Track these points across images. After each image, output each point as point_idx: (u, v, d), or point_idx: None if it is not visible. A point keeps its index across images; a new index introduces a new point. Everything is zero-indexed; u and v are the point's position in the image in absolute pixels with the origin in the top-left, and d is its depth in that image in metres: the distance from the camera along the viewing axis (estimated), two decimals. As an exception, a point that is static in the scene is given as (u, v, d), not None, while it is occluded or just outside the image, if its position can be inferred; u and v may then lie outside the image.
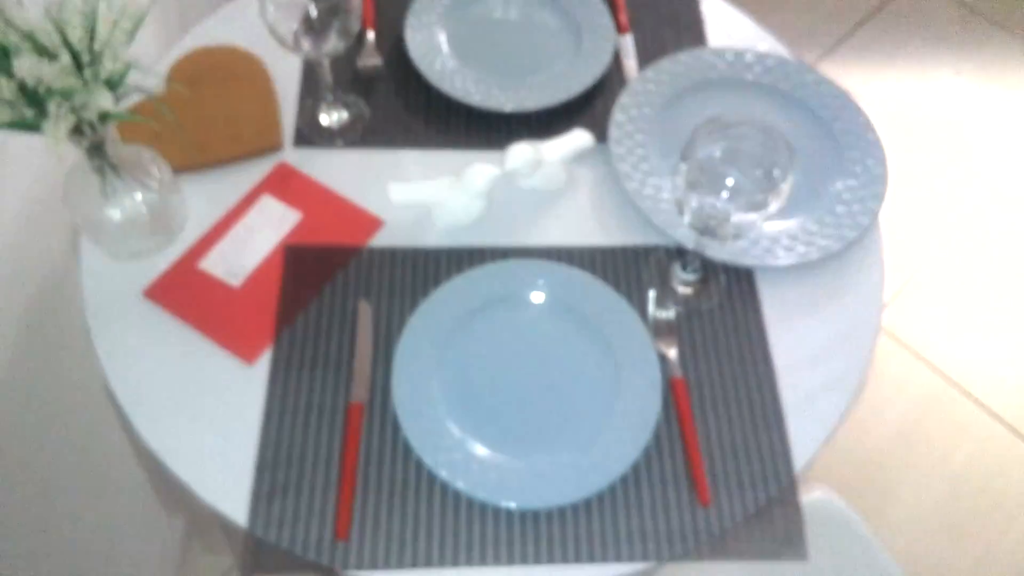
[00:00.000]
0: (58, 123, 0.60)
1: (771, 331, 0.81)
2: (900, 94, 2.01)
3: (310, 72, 0.95)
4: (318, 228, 0.85)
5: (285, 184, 0.87)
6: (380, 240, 0.85)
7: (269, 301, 0.80)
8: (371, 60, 0.96)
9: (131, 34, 0.65)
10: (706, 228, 0.74)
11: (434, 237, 0.85)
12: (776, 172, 0.71)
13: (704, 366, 0.79)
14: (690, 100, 0.95)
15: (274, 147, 0.90)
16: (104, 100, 0.62)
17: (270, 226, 0.84)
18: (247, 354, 0.77)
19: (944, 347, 1.66)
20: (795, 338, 0.81)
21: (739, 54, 0.98)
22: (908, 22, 2.13)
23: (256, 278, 0.81)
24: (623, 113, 0.92)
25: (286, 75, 0.95)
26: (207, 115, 0.91)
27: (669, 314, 0.81)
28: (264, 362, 0.77)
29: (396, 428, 0.74)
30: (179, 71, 0.94)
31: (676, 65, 0.96)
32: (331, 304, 0.80)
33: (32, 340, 0.85)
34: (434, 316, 0.78)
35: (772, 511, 0.72)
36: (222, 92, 0.93)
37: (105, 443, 0.99)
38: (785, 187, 0.69)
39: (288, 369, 0.77)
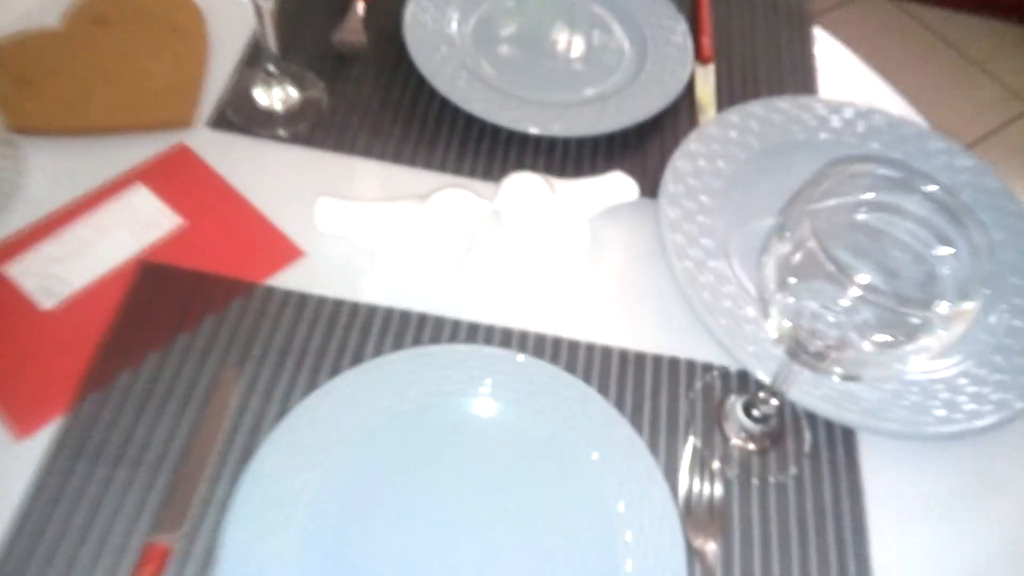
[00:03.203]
0: None
1: (876, 536, 0.49)
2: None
3: (258, 32, 0.68)
4: (203, 245, 0.56)
5: (175, 175, 0.59)
6: (291, 279, 0.55)
7: (87, 343, 0.51)
8: (352, 36, 0.69)
9: None
10: (801, 351, 0.44)
11: (373, 290, 0.56)
12: (946, 272, 0.41)
13: (761, 583, 0.46)
14: (785, 162, 0.65)
15: (180, 123, 0.62)
16: None
17: (131, 229, 0.56)
18: (20, 424, 0.47)
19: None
20: (917, 554, 0.49)
21: (863, 113, 0.69)
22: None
23: (81, 304, 0.52)
24: (688, 162, 0.63)
25: (231, 36, 0.69)
26: (102, 64, 0.64)
27: (714, 488, 0.49)
28: (42, 440, 0.47)
29: (216, 601, 0.43)
30: (89, 7, 0.68)
31: (772, 112, 0.68)
32: (179, 366, 0.50)
33: None
34: (329, 416, 0.48)
35: None
36: (133, 40, 0.66)
37: None
38: (968, 307, 0.38)
39: (75, 460, 0.46)
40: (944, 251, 0.41)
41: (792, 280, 0.42)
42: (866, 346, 0.41)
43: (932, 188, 0.41)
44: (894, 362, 0.41)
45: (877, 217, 0.43)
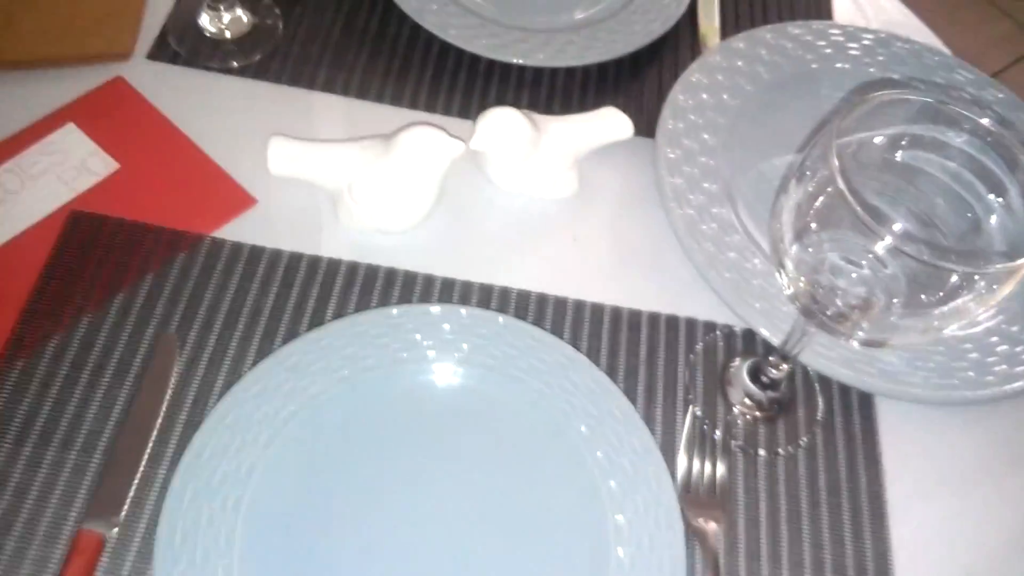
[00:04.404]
0: None
1: (895, 512, 0.44)
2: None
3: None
4: (142, 193, 0.49)
5: (110, 112, 0.52)
6: (242, 230, 0.49)
7: (10, 306, 0.45)
8: (311, -45, 0.61)
9: None
10: (819, 312, 0.38)
11: (336, 243, 0.50)
12: (993, 223, 0.35)
13: (769, 564, 0.42)
14: (797, 94, 0.59)
15: (116, 53, 0.55)
16: None
17: (60, 175, 0.49)
18: (-69, 397, 0.42)
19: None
20: (939, 532, 0.44)
21: (883, 40, 0.62)
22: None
23: (3, 261, 0.46)
24: (689, 96, 0.56)
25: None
26: (25, -12, 0.56)
27: (716, 461, 0.44)
28: (-42, 417, 0.42)
29: (156, 597, 0.38)
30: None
31: (783, 38, 0.61)
32: (115, 331, 0.45)
33: None
34: (282, 387, 0.42)
35: None
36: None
37: None
38: (1022, 263, 0.32)
39: (-5, 439, 0.41)
40: (992, 198, 0.35)
41: (812, 228, 0.36)
42: (895, 307, 0.35)
43: (982, 120, 0.34)
44: (925, 327, 0.36)
45: (913, 155, 0.37)
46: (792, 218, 0.37)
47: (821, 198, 0.35)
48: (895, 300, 0.35)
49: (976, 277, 0.32)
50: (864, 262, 0.37)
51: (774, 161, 0.54)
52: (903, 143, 0.37)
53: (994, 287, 0.32)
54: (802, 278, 0.38)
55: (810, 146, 0.36)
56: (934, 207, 0.37)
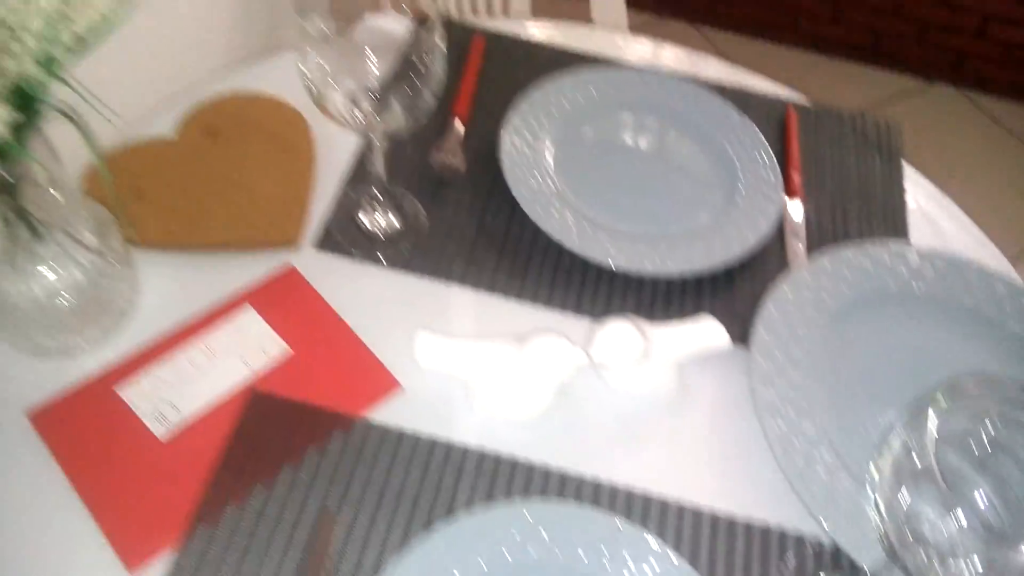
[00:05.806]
0: None
1: None
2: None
3: (365, 157, 0.71)
4: (306, 374, 0.58)
5: (282, 298, 0.61)
6: (388, 412, 0.57)
7: (196, 474, 0.52)
8: (450, 159, 0.71)
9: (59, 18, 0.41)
10: (904, 557, 0.43)
11: (467, 429, 0.57)
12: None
13: None
14: (878, 313, 0.65)
15: (287, 243, 0.64)
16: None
17: (239, 355, 0.58)
18: (131, 556, 0.49)
19: None
20: None
21: (956, 265, 0.68)
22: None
23: (192, 433, 0.54)
24: (779, 308, 0.64)
25: (336, 153, 0.71)
26: (213, 179, 0.67)
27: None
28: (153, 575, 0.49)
29: None
30: (200, 117, 0.71)
31: (864, 258, 0.68)
32: (283, 504, 0.52)
33: None
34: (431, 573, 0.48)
35: None
36: (244, 155, 0.69)
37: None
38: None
39: (182, 599, 0.48)
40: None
41: (908, 481, 0.42)
42: (971, 568, 0.41)
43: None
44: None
45: (1001, 433, 0.43)
46: (890, 470, 0.43)
47: (918, 463, 0.41)
48: (973, 558, 0.40)
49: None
50: (952, 519, 0.42)
51: (870, 411, 0.60)
52: (992, 420, 0.43)
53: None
54: (891, 523, 0.43)
55: (909, 415, 0.42)
56: (1014, 479, 0.42)
